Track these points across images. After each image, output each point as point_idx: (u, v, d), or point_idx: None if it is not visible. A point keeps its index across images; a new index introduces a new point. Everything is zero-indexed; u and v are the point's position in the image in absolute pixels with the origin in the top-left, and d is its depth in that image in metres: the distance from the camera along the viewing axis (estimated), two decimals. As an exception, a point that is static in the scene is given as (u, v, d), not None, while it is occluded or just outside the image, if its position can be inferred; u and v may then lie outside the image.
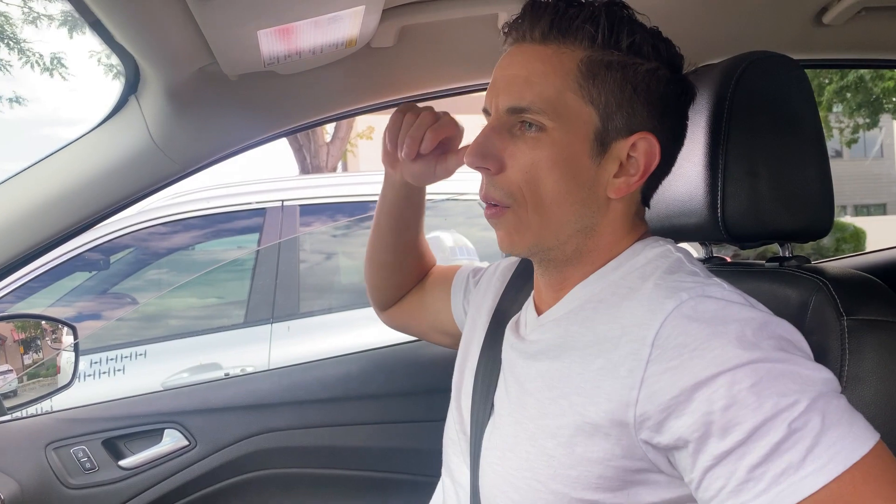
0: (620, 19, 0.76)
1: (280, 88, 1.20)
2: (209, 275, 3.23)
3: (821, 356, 0.76)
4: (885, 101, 10.60)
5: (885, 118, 12.58)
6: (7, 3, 8.14)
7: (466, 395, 0.94)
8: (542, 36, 0.76)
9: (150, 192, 1.22)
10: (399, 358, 1.53)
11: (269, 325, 2.90)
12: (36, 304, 2.87)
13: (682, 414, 0.64)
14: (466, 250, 3.19)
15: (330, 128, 8.74)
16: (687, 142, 0.90)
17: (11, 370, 1.22)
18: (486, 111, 0.82)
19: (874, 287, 0.81)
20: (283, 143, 8.53)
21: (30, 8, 8.37)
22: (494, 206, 0.80)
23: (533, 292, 0.91)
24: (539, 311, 0.87)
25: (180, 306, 3.24)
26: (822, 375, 0.65)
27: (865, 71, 9.92)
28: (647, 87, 0.76)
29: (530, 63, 0.76)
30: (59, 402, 1.51)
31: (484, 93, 0.84)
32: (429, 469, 1.17)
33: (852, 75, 10.17)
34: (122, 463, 1.38)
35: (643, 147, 0.76)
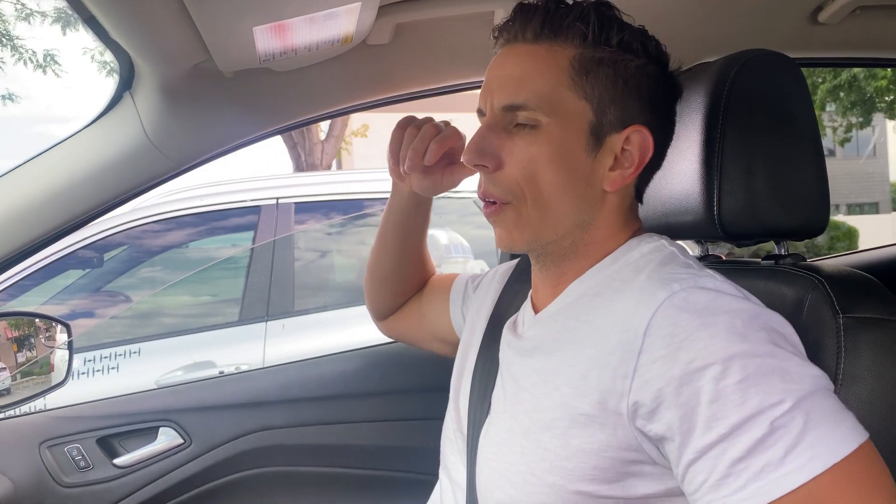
0: (610, 18, 0.78)
1: (275, 85, 1.19)
2: (203, 273, 3.22)
3: (816, 354, 0.76)
4: (878, 100, 10.63)
5: (878, 117, 12.61)
6: (-1, 0, 8.10)
7: (464, 395, 0.95)
8: (535, 36, 0.78)
9: (144, 189, 1.21)
10: (395, 356, 1.52)
11: (264, 323, 2.89)
12: (29, 302, 2.86)
13: (671, 405, 0.65)
14: (461, 248, 3.19)
15: (325, 125, 8.72)
16: (683, 140, 0.90)
17: (5, 368, 1.22)
18: (480, 112, 0.83)
19: (870, 285, 0.81)
20: (278, 140, 8.51)
21: (22, 4, 8.33)
22: (493, 204, 0.81)
23: (531, 291, 0.91)
24: (536, 309, 0.88)
25: (174, 304, 3.23)
26: (812, 373, 0.65)
27: (858, 70, 9.95)
28: (637, 82, 0.78)
29: (524, 62, 0.78)
30: (53, 400, 1.51)
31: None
32: (425, 467, 1.17)
33: (845, 74, 10.19)
34: (117, 461, 1.37)
35: (636, 140, 0.78)
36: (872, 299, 0.79)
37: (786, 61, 0.89)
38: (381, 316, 1.29)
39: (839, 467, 0.60)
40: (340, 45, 1.11)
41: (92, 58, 9.04)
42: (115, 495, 1.35)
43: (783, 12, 1.30)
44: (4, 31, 8.15)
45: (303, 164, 8.34)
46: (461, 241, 3.21)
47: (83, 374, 2.72)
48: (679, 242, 0.87)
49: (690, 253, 1.06)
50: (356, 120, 10.02)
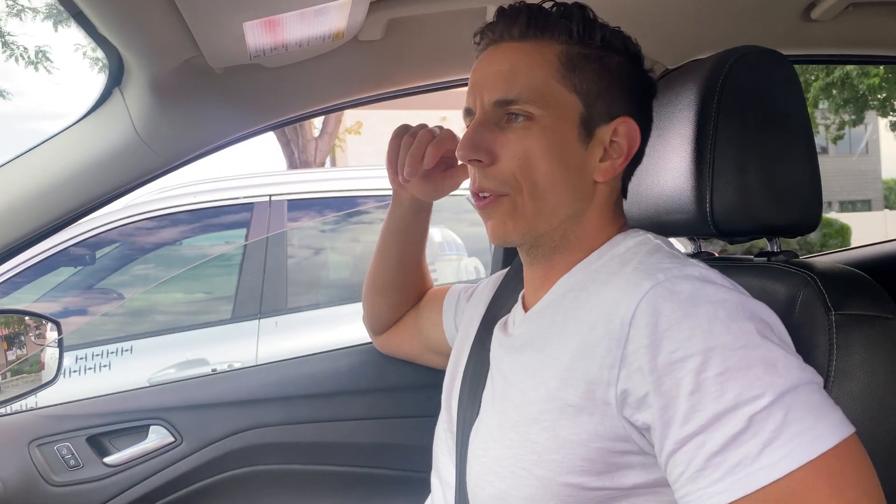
0: (591, 17, 0.81)
1: (266, 81, 1.19)
2: (196, 270, 3.21)
3: (808, 351, 0.76)
4: (870, 97, 10.67)
5: (870, 115, 12.67)
6: (-10, -4, 8.05)
7: (455, 396, 0.96)
8: (521, 34, 0.80)
9: (134, 186, 1.20)
10: (388, 353, 1.52)
11: (257, 321, 2.89)
12: (20, 300, 2.84)
13: (654, 394, 0.66)
14: (455, 246, 3.19)
15: (318, 122, 8.71)
16: (676, 136, 0.90)
17: (-6, 366, 1.21)
18: (468, 111, 0.85)
19: (862, 282, 0.81)
20: (271, 137, 8.49)
21: (14, 0, 8.28)
22: (485, 199, 0.82)
23: (522, 291, 0.92)
24: (526, 308, 0.88)
25: (167, 302, 3.22)
26: (797, 366, 0.65)
27: (851, 68, 9.99)
28: (620, 77, 0.81)
29: (512, 58, 0.80)
30: (44, 398, 1.50)
31: None
32: (419, 465, 1.17)
33: (838, 72, 10.23)
34: (107, 460, 1.36)
35: (624, 130, 0.81)
36: (864, 296, 0.79)
37: (779, 58, 0.89)
38: (379, 330, 1.31)
39: (816, 464, 0.60)
40: (332, 41, 1.11)
41: (84, 54, 9.00)
42: (105, 494, 1.34)
43: (776, 9, 1.30)
44: (-4, 28, 8.10)
45: (296, 161, 8.33)
46: (455, 238, 3.21)
47: (75, 371, 2.71)
48: (672, 240, 0.87)
49: (683, 250, 1.06)
50: (350, 117, 10.00)
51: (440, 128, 1.02)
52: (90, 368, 2.73)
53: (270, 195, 3.09)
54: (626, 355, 0.68)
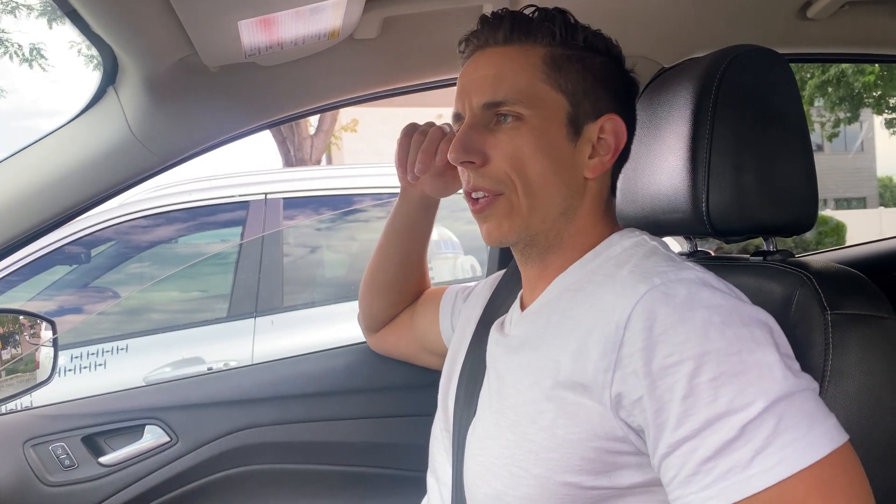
0: (572, 21, 0.84)
1: (262, 80, 1.18)
2: (192, 268, 3.21)
3: (804, 350, 0.76)
4: (865, 95, 10.70)
5: (865, 113, 12.71)
6: (-16, -7, 8.01)
7: (452, 396, 0.96)
8: (505, 38, 0.82)
9: (129, 185, 1.20)
10: (383, 352, 1.51)
11: (253, 319, 2.88)
12: (16, 299, 2.84)
13: (648, 397, 0.66)
14: (451, 244, 3.19)
15: (314, 120, 8.69)
16: (672, 135, 0.90)
17: (-11, 366, 1.20)
18: (457, 116, 0.86)
19: (858, 281, 0.81)
20: (267, 135, 8.48)
21: (8, -3, 8.24)
22: (477, 201, 0.83)
23: (521, 291, 0.92)
24: (523, 308, 0.89)
25: (163, 300, 3.21)
26: (792, 373, 0.65)
27: (847, 66, 10.01)
28: (604, 76, 0.83)
29: (498, 62, 0.82)
30: (39, 398, 1.49)
31: None
32: (415, 464, 1.16)
33: (834, 70, 10.25)
34: (102, 460, 1.36)
35: (611, 127, 0.83)
36: (860, 296, 0.79)
37: (775, 57, 0.89)
38: (374, 328, 1.31)
39: (807, 473, 0.61)
40: (327, 40, 1.10)
41: (79, 51, 8.97)
42: (100, 494, 1.34)
43: (772, 8, 1.30)
44: (-10, 25, 8.06)
45: (292, 158, 8.31)
46: (451, 236, 3.20)
47: (70, 370, 2.71)
48: (667, 239, 0.87)
49: (680, 248, 1.06)
50: (346, 115, 9.99)
51: (449, 125, 1.03)
52: (86, 367, 2.73)
53: (266, 193, 3.08)
54: (620, 358, 0.68)
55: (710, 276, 0.72)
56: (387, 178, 3.17)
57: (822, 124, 12.30)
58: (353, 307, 1.36)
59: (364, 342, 1.41)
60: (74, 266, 3.07)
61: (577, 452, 0.71)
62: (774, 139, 0.86)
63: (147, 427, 1.39)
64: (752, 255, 0.95)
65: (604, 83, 0.83)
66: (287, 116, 1.30)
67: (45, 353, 1.26)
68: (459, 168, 0.85)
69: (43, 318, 1.28)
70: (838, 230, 10.93)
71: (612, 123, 0.83)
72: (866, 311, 0.77)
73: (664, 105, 0.93)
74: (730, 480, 0.62)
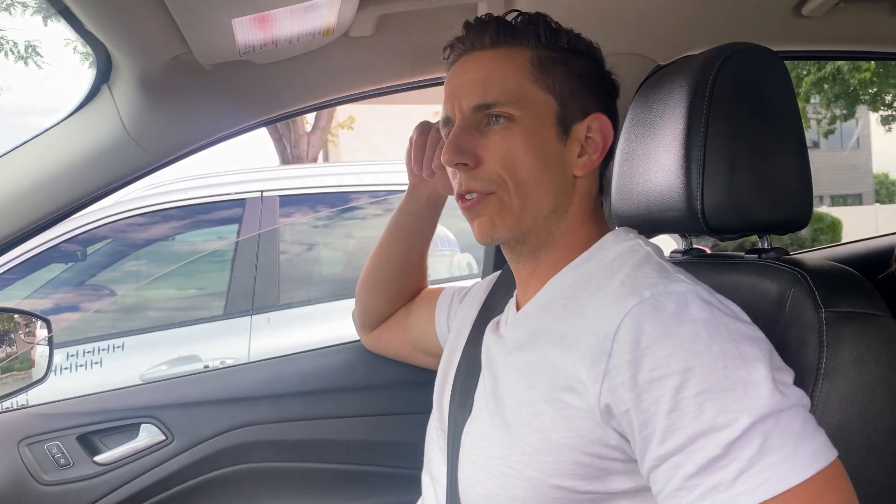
0: (555, 25, 0.86)
1: (256, 78, 1.18)
2: (188, 266, 3.20)
3: (798, 349, 0.76)
4: (861, 92, 10.70)
5: (861, 109, 12.73)
6: (-22, -10, 7.97)
7: (447, 396, 0.96)
8: (492, 41, 0.84)
9: (124, 183, 1.19)
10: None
11: (249, 317, 2.88)
12: (11, 297, 2.83)
13: (634, 410, 0.66)
14: (447, 241, 3.19)
15: (311, 117, 8.68)
16: (666, 133, 0.90)
17: (-17, 365, 1.20)
18: (446, 120, 0.87)
19: (852, 279, 0.81)
20: (263, 132, 8.46)
21: (2, -5, 8.21)
22: (469, 201, 0.84)
23: (515, 292, 0.93)
24: (518, 307, 0.89)
25: (159, 298, 3.21)
26: (779, 389, 0.65)
27: (843, 63, 10.01)
28: (588, 77, 0.86)
29: (486, 65, 0.84)
30: (34, 396, 1.49)
31: None
32: (410, 461, 1.16)
33: (830, 67, 10.25)
34: (98, 458, 1.36)
35: (598, 126, 0.85)
36: (854, 294, 0.79)
37: (769, 55, 0.88)
38: (370, 325, 1.31)
39: (791, 494, 0.61)
40: (322, 38, 1.10)
41: (75, 49, 8.93)
42: (95, 493, 1.34)
43: (767, 5, 1.30)
44: (-16, 22, 8.03)
45: (288, 156, 8.30)
46: (447, 233, 3.20)
47: (66, 369, 2.70)
48: (664, 236, 0.87)
49: (676, 245, 1.06)
50: (342, 112, 9.98)
51: None
52: (81, 365, 2.72)
53: (262, 191, 3.07)
54: (609, 370, 0.69)
55: (701, 289, 0.72)
56: (384, 176, 3.17)
57: (819, 121, 12.31)
58: (349, 305, 1.36)
59: (359, 340, 1.41)
60: (70, 264, 3.07)
61: (571, 457, 0.71)
62: (769, 137, 0.86)
63: (142, 426, 1.39)
64: (747, 252, 0.95)
65: (588, 84, 0.85)
66: (282, 114, 1.30)
67: (41, 352, 1.26)
68: (450, 170, 0.86)
69: (38, 317, 1.28)
70: (834, 227, 10.94)
71: (598, 122, 0.84)
72: (860, 309, 0.77)
73: (659, 102, 0.93)
74: (713, 499, 0.62)
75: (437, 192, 1.16)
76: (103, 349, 2.78)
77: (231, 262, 3.00)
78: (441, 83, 1.36)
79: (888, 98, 11.12)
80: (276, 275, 2.99)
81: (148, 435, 1.38)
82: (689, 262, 1.01)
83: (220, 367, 2.44)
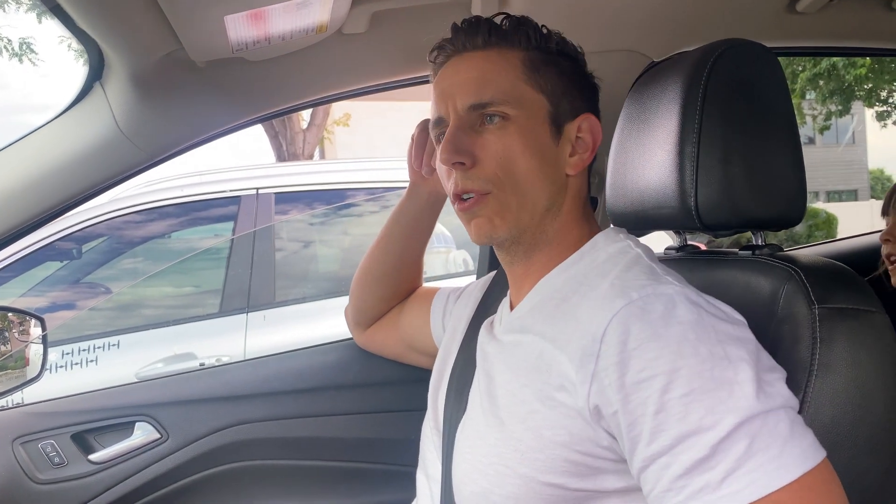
0: (543, 28, 0.87)
1: (250, 75, 1.18)
2: (184, 263, 3.20)
3: (792, 345, 0.77)
4: (857, 88, 10.71)
5: (856, 105, 12.73)
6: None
7: (442, 395, 0.97)
8: (484, 42, 0.85)
9: (117, 181, 1.19)
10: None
11: (245, 315, 2.88)
12: (7, 295, 2.82)
13: (622, 411, 0.67)
14: (443, 238, 3.19)
15: (306, 115, 8.67)
16: (660, 130, 0.90)
17: (-23, 364, 1.20)
18: (439, 120, 0.86)
19: (846, 275, 0.81)
20: (259, 129, 8.45)
21: (-5, -9, 8.17)
22: (465, 201, 0.84)
23: (509, 291, 0.93)
24: (512, 307, 0.90)
25: (154, 295, 3.21)
26: (766, 390, 0.65)
27: (838, 59, 10.02)
28: (576, 78, 0.88)
29: (479, 65, 0.84)
30: (29, 395, 1.49)
31: None
32: (405, 459, 1.16)
33: (825, 63, 10.26)
34: (92, 457, 1.36)
35: (587, 126, 0.86)
36: (848, 290, 0.79)
37: (763, 51, 0.88)
38: (363, 323, 1.32)
39: (779, 495, 0.61)
40: (315, 35, 1.10)
41: (69, 46, 8.89)
42: (90, 492, 1.33)
43: (762, 2, 1.30)
44: (-22, 20, 8.00)
45: (284, 153, 8.29)
46: (444, 231, 3.20)
47: (61, 367, 2.70)
48: (658, 232, 0.87)
49: (670, 242, 1.06)
50: (338, 109, 9.96)
51: None
52: (77, 363, 2.72)
53: (258, 188, 3.07)
54: (597, 371, 0.69)
55: (689, 291, 0.73)
56: (380, 173, 3.16)
57: (814, 117, 12.33)
58: (345, 302, 1.36)
59: (354, 338, 1.41)
60: (66, 262, 3.06)
61: (562, 455, 0.72)
62: (763, 133, 0.86)
63: (137, 424, 1.39)
64: (741, 249, 0.95)
65: (577, 85, 0.87)
66: (276, 112, 1.29)
67: (35, 350, 1.26)
68: (445, 171, 0.86)
69: (32, 315, 1.27)
70: (829, 223, 10.95)
71: (588, 122, 0.86)
72: (854, 305, 0.77)
73: (653, 99, 0.93)
74: (701, 500, 0.62)
75: (437, 190, 1.16)
76: (99, 347, 2.78)
77: (227, 260, 3.00)
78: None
79: (883, 94, 11.14)
80: (272, 272, 2.98)
81: (142, 433, 1.38)
82: (684, 258, 1.01)
83: (216, 364, 2.44)
